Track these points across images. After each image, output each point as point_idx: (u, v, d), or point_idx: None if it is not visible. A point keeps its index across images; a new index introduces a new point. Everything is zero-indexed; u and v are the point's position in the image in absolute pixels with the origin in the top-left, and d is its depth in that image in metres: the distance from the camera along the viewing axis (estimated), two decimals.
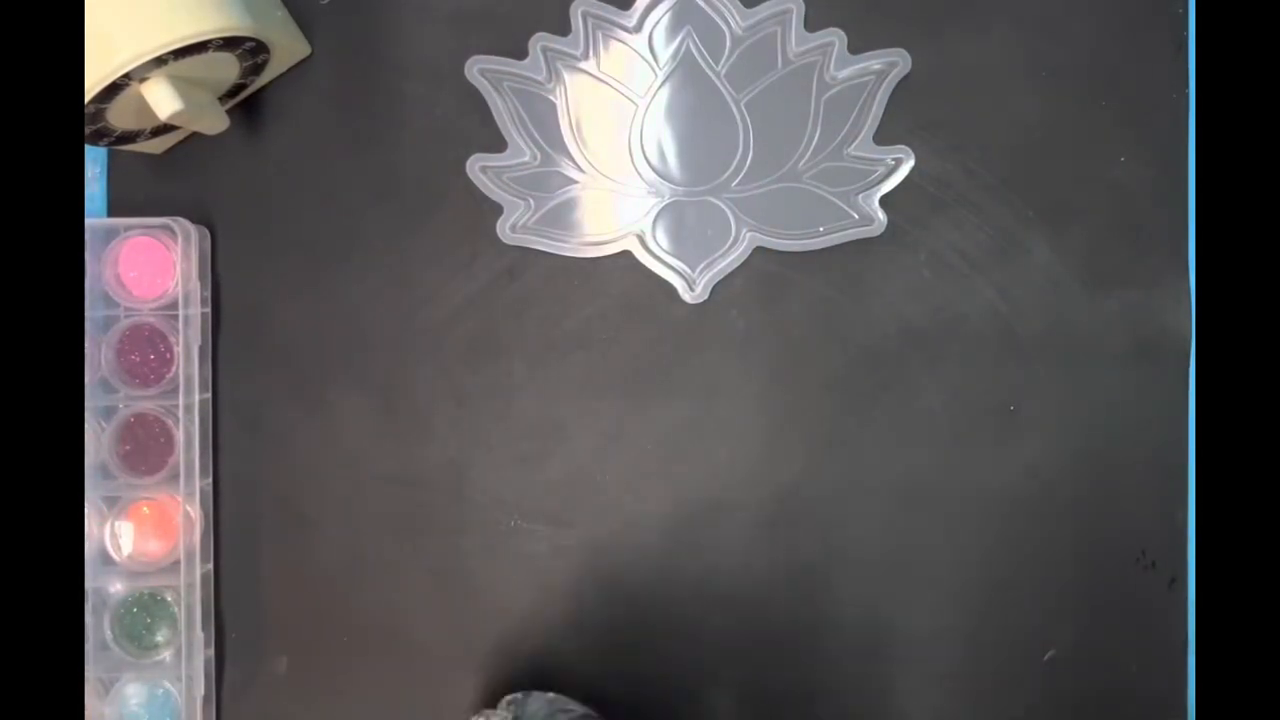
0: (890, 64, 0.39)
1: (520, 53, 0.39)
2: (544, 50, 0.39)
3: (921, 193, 0.40)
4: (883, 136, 0.40)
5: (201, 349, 0.39)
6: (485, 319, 0.41)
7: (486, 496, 0.41)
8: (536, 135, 0.40)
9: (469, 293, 0.40)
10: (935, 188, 0.40)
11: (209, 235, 0.40)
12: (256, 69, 0.38)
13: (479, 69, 0.39)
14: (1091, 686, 0.40)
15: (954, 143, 0.40)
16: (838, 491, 0.40)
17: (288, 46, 0.38)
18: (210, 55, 0.34)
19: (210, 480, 0.40)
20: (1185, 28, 0.40)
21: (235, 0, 0.34)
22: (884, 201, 0.40)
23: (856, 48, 0.39)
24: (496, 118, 0.39)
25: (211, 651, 0.40)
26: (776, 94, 0.40)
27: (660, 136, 0.40)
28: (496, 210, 0.40)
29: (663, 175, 0.40)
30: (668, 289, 0.40)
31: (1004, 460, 0.40)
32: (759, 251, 0.40)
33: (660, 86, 0.40)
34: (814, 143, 0.40)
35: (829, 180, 0.40)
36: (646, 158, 0.40)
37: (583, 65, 0.40)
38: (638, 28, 0.39)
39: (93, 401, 0.39)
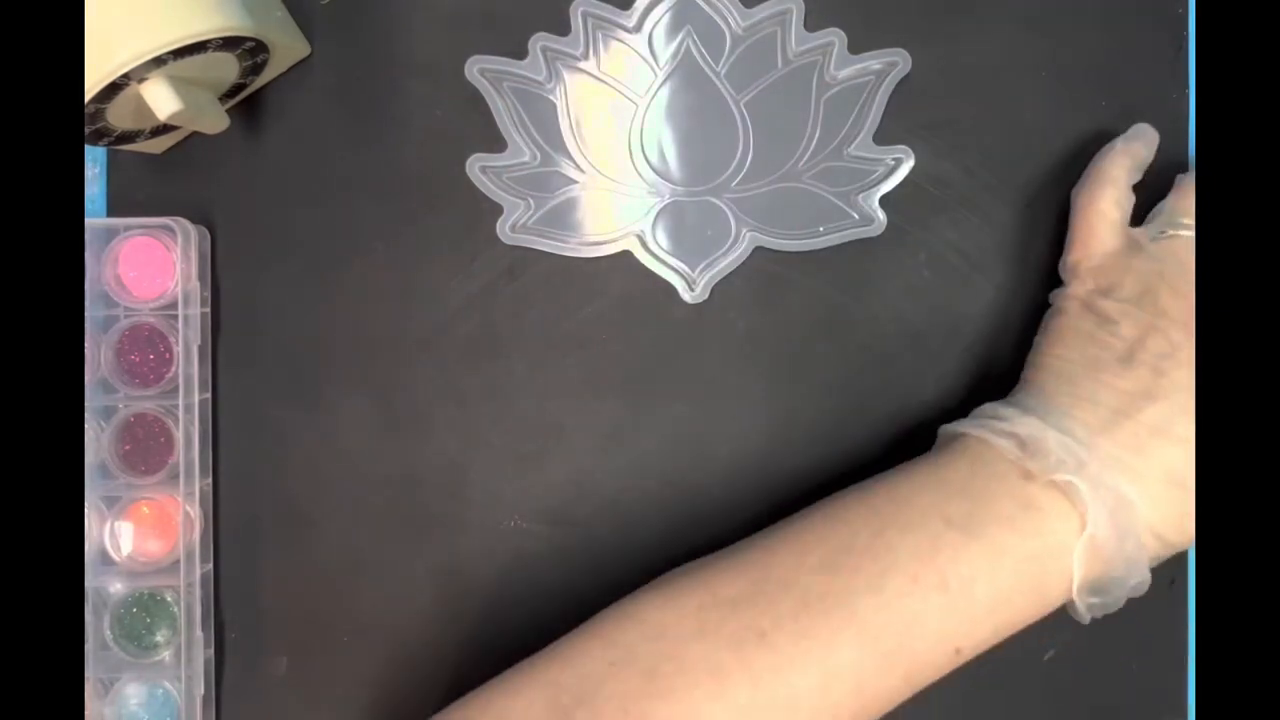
0: (890, 64, 0.39)
1: (520, 53, 0.39)
2: (544, 50, 0.39)
3: (921, 193, 0.40)
4: (883, 136, 0.40)
5: (201, 349, 0.39)
6: (485, 319, 0.41)
7: (486, 496, 0.41)
8: (536, 135, 0.40)
9: (469, 293, 0.40)
10: (935, 188, 0.40)
11: (209, 235, 0.40)
12: (256, 69, 0.38)
13: (479, 69, 0.39)
14: (1091, 686, 0.40)
15: (954, 143, 0.40)
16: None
17: (288, 46, 0.38)
18: (210, 55, 0.34)
19: (210, 480, 0.40)
20: (1185, 28, 0.40)
21: (235, 0, 0.34)
22: (884, 201, 0.40)
23: (856, 48, 0.39)
24: (496, 118, 0.39)
25: (211, 651, 0.40)
26: (776, 94, 0.40)
27: (660, 136, 0.40)
28: (496, 210, 0.40)
29: (663, 175, 0.40)
30: (668, 289, 0.40)
31: None
32: (759, 251, 0.40)
33: (660, 86, 0.40)
34: (814, 143, 0.40)
35: (829, 180, 0.40)
36: (646, 158, 0.40)
37: (583, 65, 0.40)
38: (638, 28, 0.39)
39: (92, 401, 0.39)
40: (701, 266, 0.40)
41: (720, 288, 0.40)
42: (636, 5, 0.39)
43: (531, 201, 0.40)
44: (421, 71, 0.40)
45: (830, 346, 0.40)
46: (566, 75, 0.40)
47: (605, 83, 0.40)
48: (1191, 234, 0.35)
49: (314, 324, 0.41)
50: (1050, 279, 0.40)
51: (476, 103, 0.40)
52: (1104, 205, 0.36)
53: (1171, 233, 0.35)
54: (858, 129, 0.39)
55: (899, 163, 0.39)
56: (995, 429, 0.33)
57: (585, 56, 0.40)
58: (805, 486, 0.40)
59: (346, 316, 0.41)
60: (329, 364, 0.41)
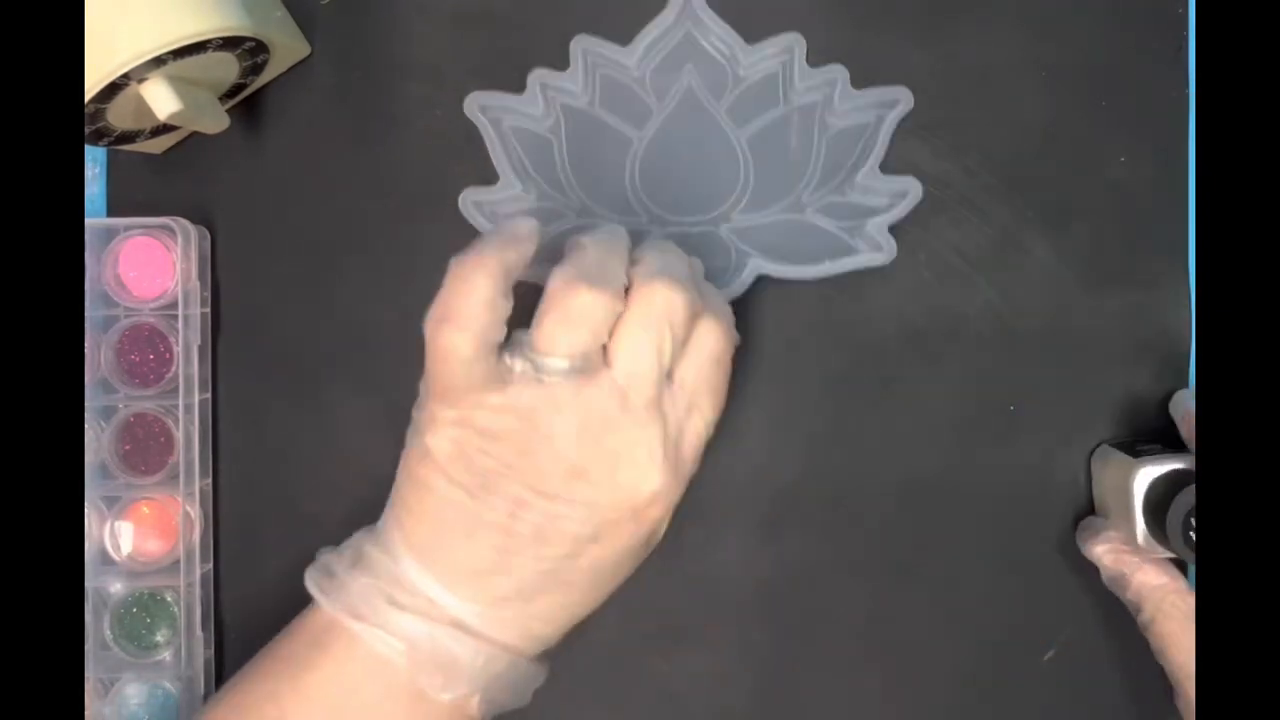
0: (892, 101, 0.38)
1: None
2: (542, 87, 0.39)
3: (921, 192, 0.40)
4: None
5: (201, 349, 0.39)
6: None
7: None
8: (533, 171, 0.39)
9: None
10: (935, 188, 0.40)
11: (209, 235, 0.40)
12: (256, 69, 0.38)
13: (478, 105, 0.39)
14: (1091, 686, 0.40)
15: (954, 143, 0.40)
16: (838, 491, 0.40)
17: (288, 46, 0.38)
18: (210, 55, 0.34)
19: (210, 480, 0.40)
20: (1185, 28, 0.40)
21: (235, 0, 0.34)
22: None
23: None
24: (492, 153, 0.39)
25: (211, 651, 0.40)
26: (778, 131, 0.39)
27: (659, 172, 0.39)
28: None
29: (662, 210, 0.39)
30: None
31: (1004, 460, 0.40)
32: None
33: (659, 122, 0.39)
34: (815, 181, 0.39)
35: (833, 214, 0.39)
36: (644, 193, 0.39)
37: (580, 101, 0.39)
38: (637, 64, 0.39)
39: (92, 401, 0.39)
40: None
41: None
42: (636, 42, 0.39)
43: None
44: (421, 72, 0.40)
45: (830, 346, 0.40)
46: (564, 111, 0.39)
47: (603, 119, 0.39)
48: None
49: (314, 324, 0.41)
50: (1050, 279, 0.40)
51: None
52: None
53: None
54: (861, 164, 0.39)
55: (905, 194, 0.39)
56: None
57: (583, 92, 0.39)
58: (804, 487, 0.40)
59: (346, 316, 0.41)
60: (329, 364, 0.41)
